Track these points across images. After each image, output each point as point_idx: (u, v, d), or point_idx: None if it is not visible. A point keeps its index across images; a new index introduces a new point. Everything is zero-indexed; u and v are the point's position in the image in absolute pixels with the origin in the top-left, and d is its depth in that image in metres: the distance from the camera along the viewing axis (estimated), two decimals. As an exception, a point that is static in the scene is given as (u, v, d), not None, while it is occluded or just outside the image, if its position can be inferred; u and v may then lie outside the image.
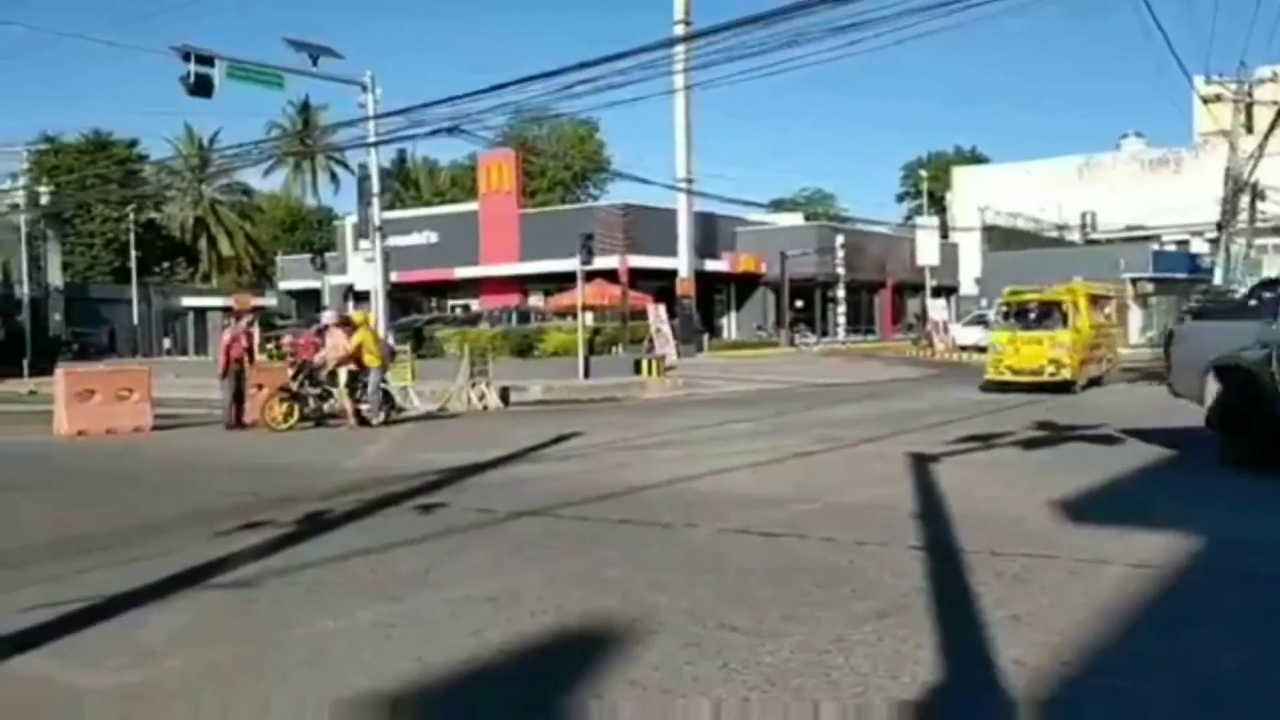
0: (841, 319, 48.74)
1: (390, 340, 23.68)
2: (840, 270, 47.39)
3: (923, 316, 47.99)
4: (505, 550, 7.28)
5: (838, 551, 6.92)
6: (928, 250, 50.09)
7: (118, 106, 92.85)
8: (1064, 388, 19.94)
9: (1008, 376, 20.59)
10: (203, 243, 67.16)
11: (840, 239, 48.15)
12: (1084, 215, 55.99)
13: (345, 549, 7.30)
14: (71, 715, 4.34)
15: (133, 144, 60.49)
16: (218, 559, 7.03)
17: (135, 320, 54.02)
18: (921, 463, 10.78)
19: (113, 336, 52.20)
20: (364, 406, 17.06)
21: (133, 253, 56.20)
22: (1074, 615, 5.30)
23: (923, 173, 72.21)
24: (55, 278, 47.39)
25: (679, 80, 24.22)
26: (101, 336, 50.81)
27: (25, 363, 36.50)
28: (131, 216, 56.96)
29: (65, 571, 6.83)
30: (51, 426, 17.16)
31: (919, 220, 59.11)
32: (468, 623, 5.44)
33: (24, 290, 43.92)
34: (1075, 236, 55.72)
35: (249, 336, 19.14)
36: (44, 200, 44.54)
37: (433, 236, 45.37)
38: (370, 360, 16.95)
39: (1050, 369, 20.21)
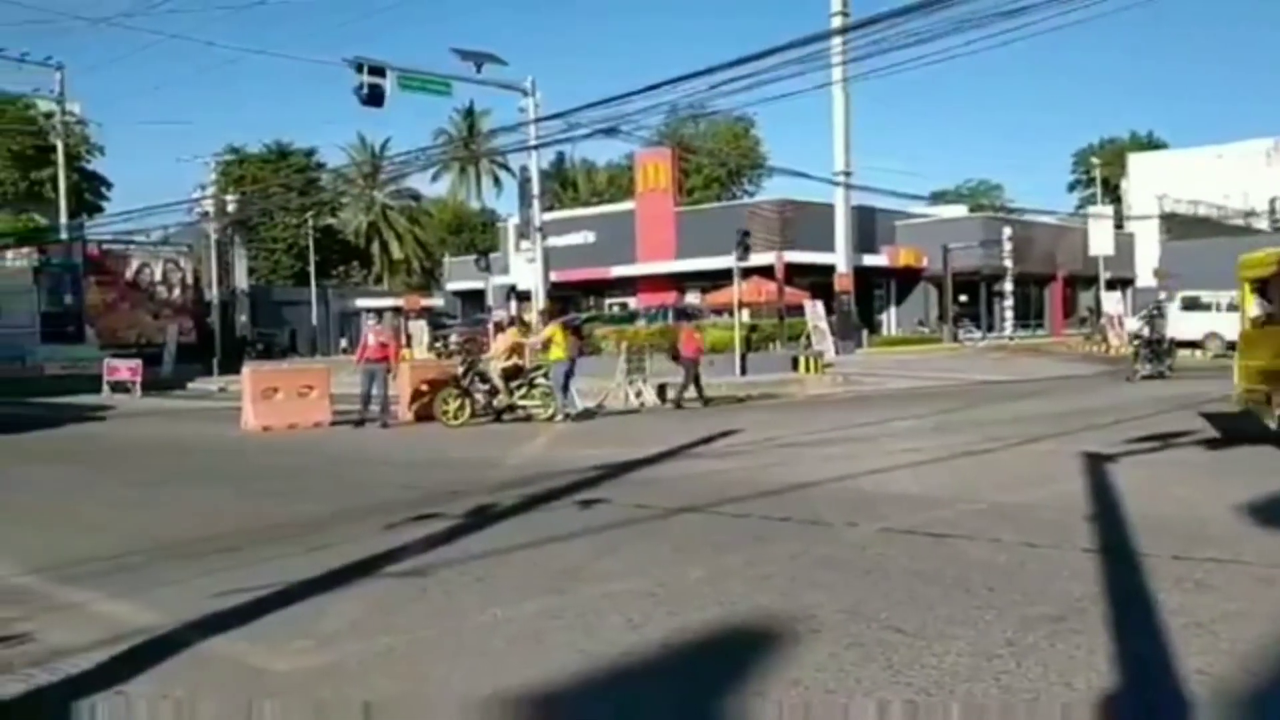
0: (1009, 313, 47.06)
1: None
2: (1007, 263, 45.76)
3: (1096, 310, 45.91)
4: (665, 546, 7.35)
5: (1006, 553, 6.71)
6: (1101, 240, 47.81)
7: (296, 117, 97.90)
8: None
9: None
10: (375, 246, 70.01)
11: (1007, 230, 46.48)
12: (1273, 201, 52.47)
13: (510, 541, 7.51)
14: (259, 696, 4.61)
15: (310, 153, 63.53)
16: (392, 549, 7.35)
17: (314, 321, 56.77)
18: (1095, 462, 10.34)
19: (294, 336, 54.99)
20: (530, 403, 17.66)
21: (311, 257, 59.10)
22: (1263, 625, 5.00)
23: (1095, 160, 69.04)
24: (241, 281, 50.25)
25: (836, 73, 23.88)
26: (283, 337, 53.60)
27: (215, 362, 38.87)
28: (310, 222, 59.89)
29: (254, 559, 7.27)
30: (239, 422, 18.22)
31: (1092, 209, 56.40)
32: (629, 616, 5.52)
33: (213, 293, 46.72)
34: (1264, 224, 52.27)
35: (395, 336, 19.95)
36: (231, 208, 47.24)
37: (590, 236, 46.03)
38: (558, 353, 17.54)
39: None
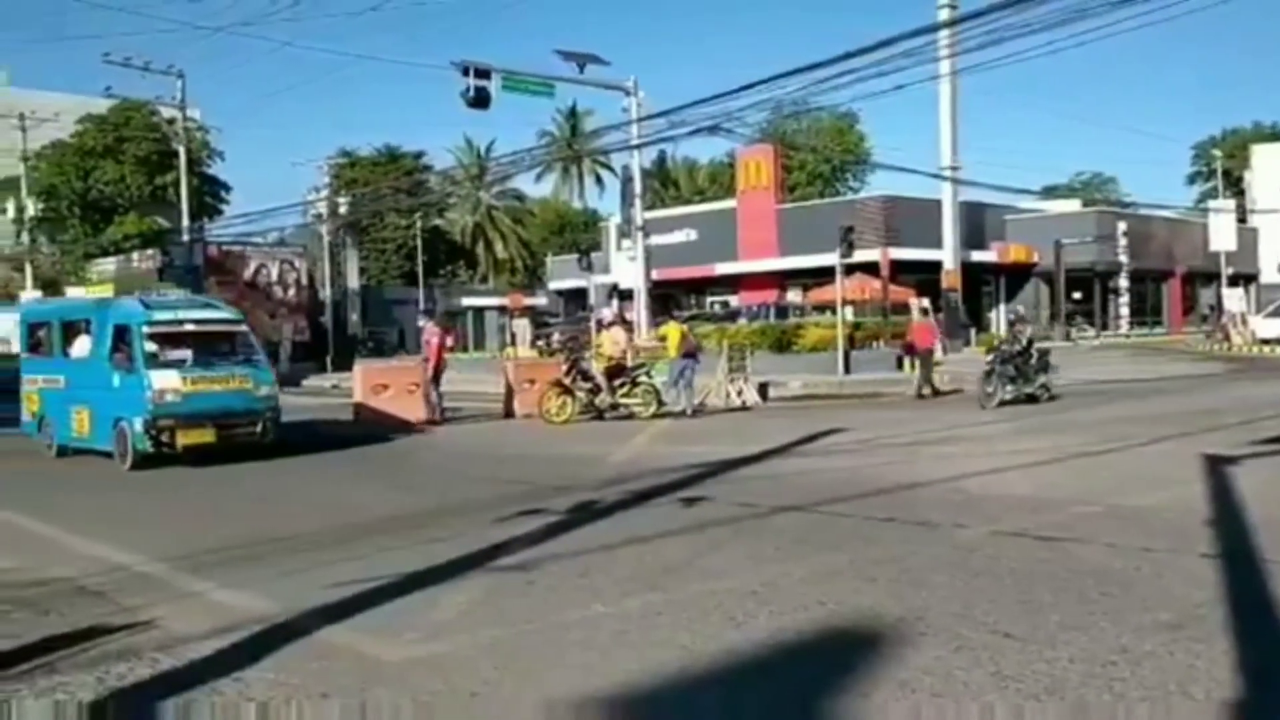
0: (1124, 311, 45.52)
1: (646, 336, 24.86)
2: (1123, 258, 44.28)
3: (1217, 307, 44.13)
4: (768, 544, 7.32)
5: (1122, 557, 6.52)
6: (1223, 235, 45.90)
7: (405, 121, 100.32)
8: None
9: None
10: (480, 246, 71.13)
11: (1122, 225, 44.98)
12: None
13: (614, 538, 7.57)
14: (372, 686, 4.74)
15: (419, 155, 64.83)
16: (499, 543, 7.48)
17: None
18: (1217, 465, 9.94)
19: (402, 335, 56.14)
20: (632, 401, 17.84)
21: (419, 257, 60.35)
22: (1403, 638, 4.76)
23: (1216, 152, 66.23)
24: (353, 281, 51.53)
25: (944, 67, 23.42)
26: (393, 335, 54.85)
27: (328, 359, 39.99)
28: (418, 223, 61.18)
29: (367, 551, 7.48)
30: (352, 417, 18.71)
31: (1213, 203, 54.19)
32: (731, 614, 5.53)
33: (326, 293, 48.03)
34: (1403, 215, 49.52)
35: (443, 334, 20.12)
36: (343, 210, 48.53)
37: (692, 234, 45.99)
38: (670, 352, 17.90)
39: None
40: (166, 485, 11.98)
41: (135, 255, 45.27)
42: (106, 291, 44.91)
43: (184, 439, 12.95)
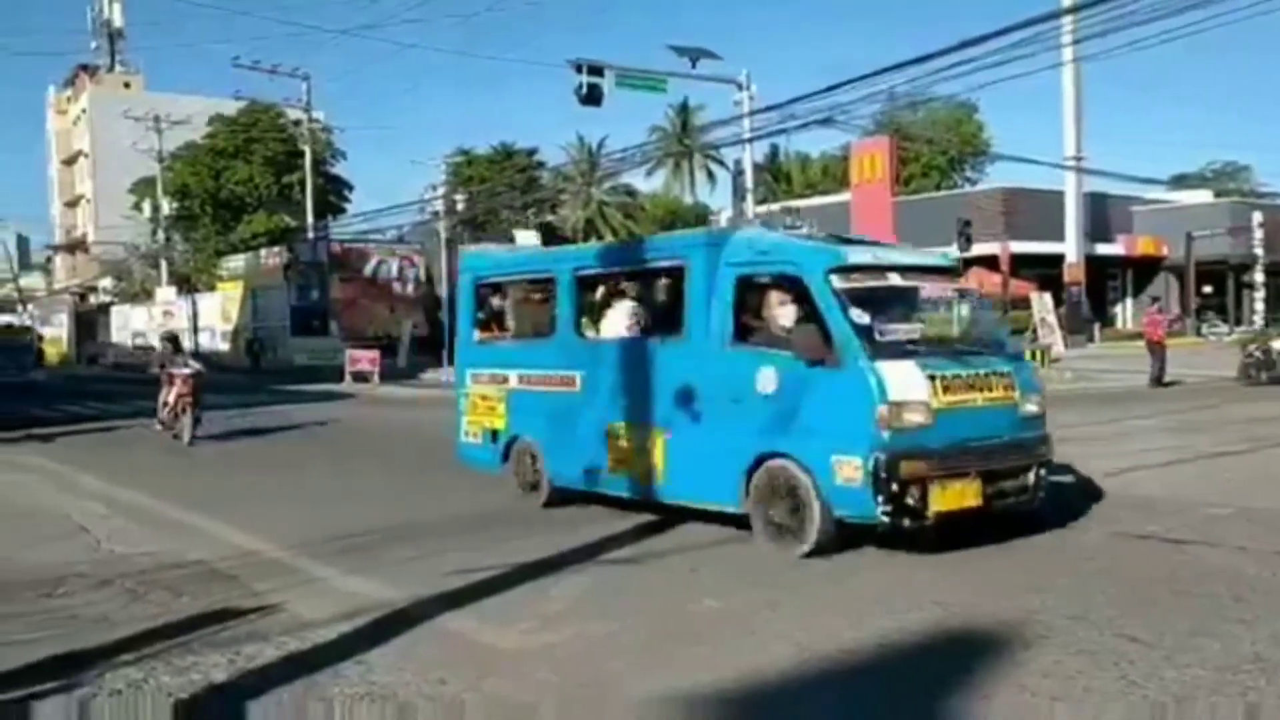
0: (1259, 306, 43.45)
1: None
2: (1258, 251, 42.28)
3: (1364, 302, 41.79)
4: (879, 544, 7.20)
5: (1256, 562, 6.24)
6: (1368, 225, 43.45)
7: (521, 119, 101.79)
8: None
9: None
10: (592, 241, 71.78)
11: (1258, 216, 42.93)
12: None
13: (723, 534, 7.53)
14: (488, 673, 4.83)
15: (532, 153, 65.72)
16: (609, 536, 7.56)
17: (534, 315, 58.68)
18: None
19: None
20: None
21: (533, 253, 61.24)
22: None
23: (1365, 136, 62.78)
24: (469, 277, 52.47)
25: (1067, 54, 22.70)
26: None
27: (444, 354, 40.83)
28: (532, 219, 62.03)
29: (482, 540, 7.63)
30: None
31: (1359, 191, 51.39)
32: (846, 613, 5.48)
33: (444, 289, 48.98)
34: None
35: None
36: (460, 207, 49.45)
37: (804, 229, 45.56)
38: None
39: None
40: (293, 467, 12.38)
41: (263, 252, 46.94)
42: (235, 290, 46.73)
43: (940, 501, 6.59)
